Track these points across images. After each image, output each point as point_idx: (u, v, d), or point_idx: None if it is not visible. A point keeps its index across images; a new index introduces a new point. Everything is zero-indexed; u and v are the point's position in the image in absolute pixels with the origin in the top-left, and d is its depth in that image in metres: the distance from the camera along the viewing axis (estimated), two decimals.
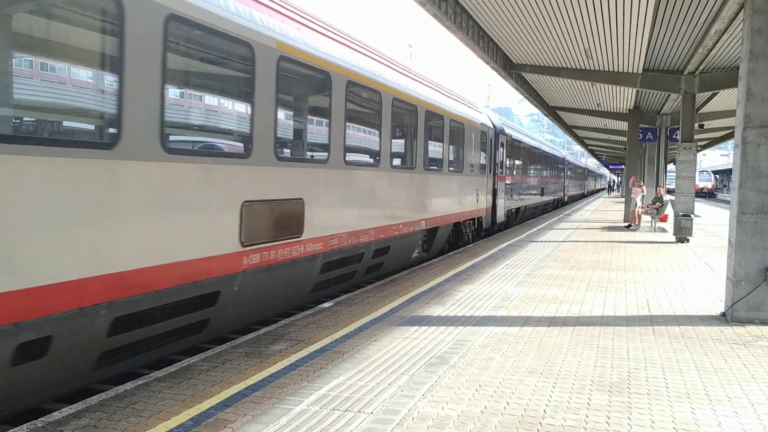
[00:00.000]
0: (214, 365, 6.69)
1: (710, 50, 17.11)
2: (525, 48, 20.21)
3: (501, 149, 24.61)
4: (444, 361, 6.96)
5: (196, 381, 6.17)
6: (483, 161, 21.33)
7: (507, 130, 26.19)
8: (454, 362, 6.91)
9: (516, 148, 28.83)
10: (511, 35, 18.62)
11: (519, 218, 30.01)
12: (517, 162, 29.45)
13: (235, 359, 6.91)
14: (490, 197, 22.73)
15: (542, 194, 37.73)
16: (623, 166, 66.37)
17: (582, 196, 76.01)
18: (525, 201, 30.99)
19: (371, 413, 5.37)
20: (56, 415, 5.28)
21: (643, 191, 27.31)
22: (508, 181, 26.01)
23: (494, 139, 23.19)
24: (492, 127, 23.08)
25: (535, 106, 32.61)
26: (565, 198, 53.08)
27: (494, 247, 18.36)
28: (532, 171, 34.54)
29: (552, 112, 36.22)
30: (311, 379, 6.23)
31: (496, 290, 11.30)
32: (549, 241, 20.12)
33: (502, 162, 24.70)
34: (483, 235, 22.42)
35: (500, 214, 24.43)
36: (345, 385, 6.09)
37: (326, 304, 9.94)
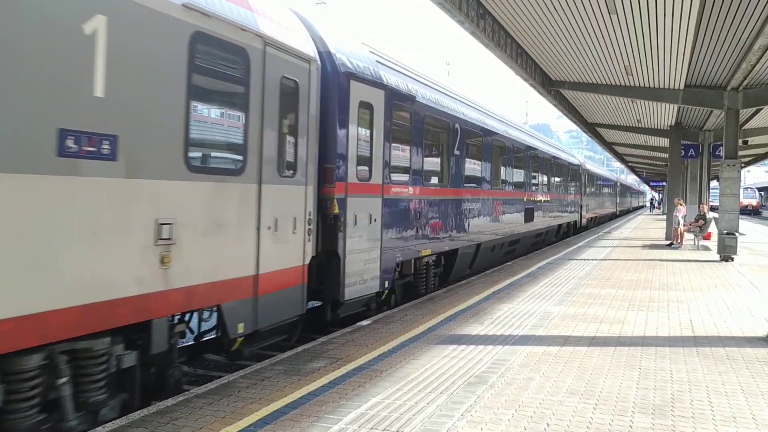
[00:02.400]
0: (253, 382, 6.74)
1: (754, 66, 16.81)
2: (564, 65, 20.10)
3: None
4: (483, 380, 6.90)
5: (235, 398, 6.22)
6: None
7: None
8: (493, 382, 6.85)
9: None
10: (549, 52, 18.55)
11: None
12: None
13: (274, 376, 6.95)
14: None
15: (528, 219, 22.39)
16: (664, 183, 65.28)
17: (612, 217, 59.54)
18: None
19: None
20: (100, 430, 5.37)
21: (684, 209, 26.83)
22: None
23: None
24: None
25: (574, 122, 32.34)
26: (582, 221, 36.75)
27: (533, 265, 18.20)
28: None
29: (591, 128, 35.89)
30: (350, 398, 6.23)
31: (535, 309, 11.19)
32: (588, 260, 19.87)
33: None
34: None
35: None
36: (383, 404, 6.08)
37: (364, 322, 9.96)
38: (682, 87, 21.34)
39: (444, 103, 14.16)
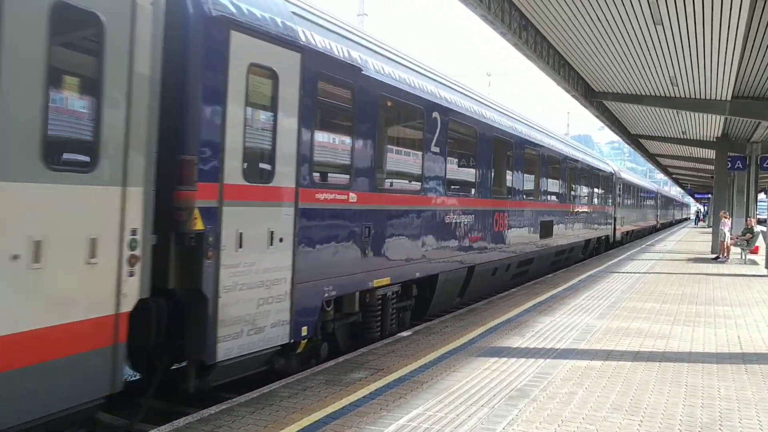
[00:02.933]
0: (294, 392, 6.78)
1: None
2: (607, 76, 19.92)
3: None
4: (524, 394, 6.84)
5: (277, 407, 6.26)
6: None
7: None
8: (535, 396, 6.79)
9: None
10: (593, 63, 18.40)
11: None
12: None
13: (315, 386, 6.98)
14: None
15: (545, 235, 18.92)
16: (710, 195, 63.98)
17: (653, 230, 54.32)
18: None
19: None
20: None
21: (729, 222, 26.27)
22: None
23: None
24: None
25: (616, 133, 32.03)
26: (616, 235, 32.07)
27: (574, 278, 17.99)
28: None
29: (634, 140, 35.46)
30: (390, 409, 6.23)
31: (577, 322, 11.05)
32: (631, 273, 19.57)
33: None
34: None
35: None
36: (424, 415, 6.06)
37: (405, 333, 9.95)
38: (729, 98, 20.96)
39: (416, 84, 10.65)
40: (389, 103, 9.94)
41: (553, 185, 19.57)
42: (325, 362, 8.21)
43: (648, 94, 21.89)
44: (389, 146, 10.26)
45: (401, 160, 10.97)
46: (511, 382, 7.30)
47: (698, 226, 76.56)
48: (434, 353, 8.58)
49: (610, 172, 30.50)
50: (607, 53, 16.96)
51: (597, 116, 25.86)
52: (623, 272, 19.72)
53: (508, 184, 15.59)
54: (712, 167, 35.62)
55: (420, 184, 10.76)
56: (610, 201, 30.33)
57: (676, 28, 14.12)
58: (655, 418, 6.15)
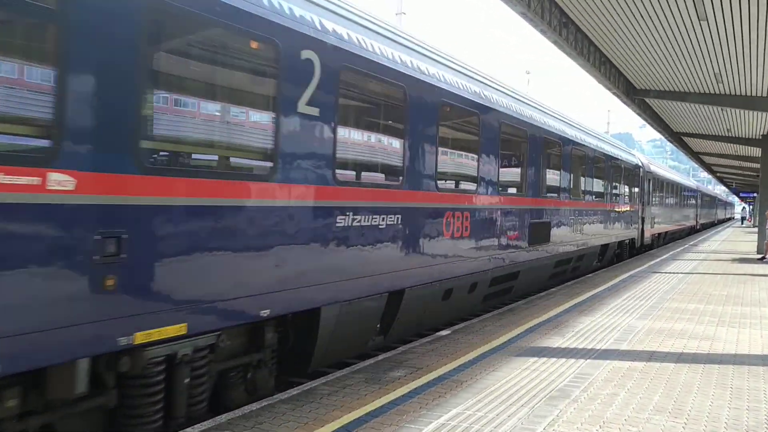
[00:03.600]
0: (335, 389, 6.83)
1: None
2: (649, 73, 19.62)
3: None
4: (565, 394, 6.79)
5: (317, 405, 6.32)
6: None
7: None
8: (576, 396, 6.73)
9: None
10: (635, 60, 18.14)
11: None
12: None
13: (355, 384, 7.02)
14: None
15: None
16: (755, 194, 62.50)
17: (691, 231, 49.53)
18: None
19: None
20: (189, 431, 5.55)
21: None
22: None
23: None
24: None
25: (659, 131, 31.52)
26: (644, 238, 27.55)
27: (615, 278, 17.76)
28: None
29: (677, 138, 34.85)
30: (430, 408, 6.23)
31: (618, 322, 10.92)
32: (674, 273, 19.24)
33: None
34: None
35: None
36: (464, 415, 6.05)
37: (444, 332, 9.94)
38: None
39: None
40: None
41: (551, 176, 15.07)
42: (364, 360, 8.25)
43: (692, 91, 21.51)
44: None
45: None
46: (552, 382, 7.25)
47: (744, 225, 74.88)
48: (473, 352, 8.56)
49: (636, 165, 25.31)
50: (649, 50, 16.70)
51: (639, 114, 25.48)
52: (666, 272, 19.40)
53: (475, 172, 11.00)
54: (757, 165, 34.81)
55: (277, 166, 6.56)
56: (637, 198, 25.74)
57: (721, 23, 13.84)
58: (700, 421, 6.05)
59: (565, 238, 16.01)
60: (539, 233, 14.02)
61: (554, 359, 8.29)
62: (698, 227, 54.63)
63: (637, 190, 25.46)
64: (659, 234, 32.50)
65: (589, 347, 9.04)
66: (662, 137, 35.61)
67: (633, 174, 24.51)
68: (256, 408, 6.20)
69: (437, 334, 9.83)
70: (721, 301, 13.69)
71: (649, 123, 28.48)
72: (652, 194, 28.90)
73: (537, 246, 13.86)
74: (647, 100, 23.88)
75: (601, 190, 19.89)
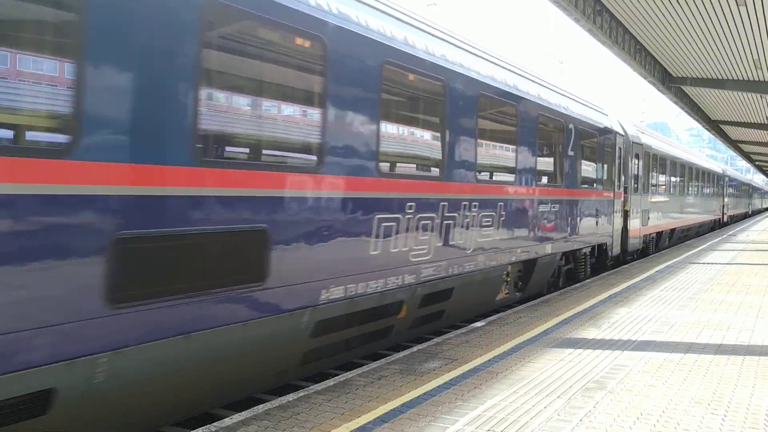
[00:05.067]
0: (370, 381, 6.87)
1: None
2: (686, 60, 19.29)
3: None
4: (601, 386, 6.74)
5: (353, 395, 6.36)
6: None
7: None
8: (612, 387, 6.68)
9: None
10: (671, 48, 17.85)
11: None
12: None
13: (390, 376, 7.06)
14: None
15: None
16: None
17: (715, 226, 41.67)
18: None
19: None
20: (227, 421, 5.64)
21: None
22: None
23: None
24: None
25: (696, 120, 30.98)
26: (628, 241, 19.26)
27: (652, 268, 17.54)
28: None
29: (714, 126, 34.23)
30: (466, 399, 6.24)
31: (654, 314, 10.79)
32: (712, 263, 18.94)
33: None
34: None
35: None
36: (500, 406, 6.05)
37: (478, 324, 9.93)
38: None
39: None
40: None
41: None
42: (399, 352, 8.29)
43: (731, 78, 21.10)
44: None
45: None
46: (588, 373, 7.20)
47: None
48: (508, 344, 8.54)
49: (612, 132, 17.10)
50: (686, 37, 16.41)
51: (675, 102, 25.07)
52: (704, 263, 19.11)
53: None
54: None
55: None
56: (615, 182, 17.52)
57: (760, 7, 13.54)
58: (740, 413, 5.97)
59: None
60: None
61: (590, 350, 8.24)
62: (726, 219, 46.32)
63: (614, 171, 17.50)
64: (658, 233, 24.47)
65: (625, 338, 8.96)
66: (699, 126, 34.97)
67: (603, 145, 16.35)
68: (293, 398, 6.27)
69: (471, 325, 9.82)
70: (761, 293, 13.45)
71: (685, 111, 28.00)
72: (645, 177, 21.27)
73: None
74: (684, 87, 23.47)
75: (548, 171, 12.99)
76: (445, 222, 9.23)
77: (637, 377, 7.09)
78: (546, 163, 12.94)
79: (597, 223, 15.95)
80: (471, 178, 9.85)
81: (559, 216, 13.34)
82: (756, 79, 20.81)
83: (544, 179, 12.81)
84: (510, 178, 11.33)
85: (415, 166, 9.18)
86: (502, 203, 10.87)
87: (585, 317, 10.45)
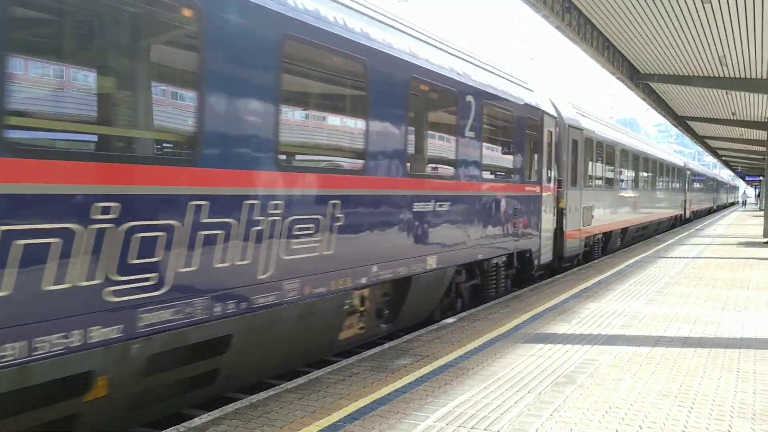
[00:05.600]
0: (341, 378, 6.85)
1: None
2: (653, 57, 19.51)
3: None
4: (571, 380, 6.80)
5: (324, 393, 6.34)
6: None
7: None
8: (582, 382, 6.74)
9: None
10: (638, 45, 18.04)
11: None
12: None
13: (361, 373, 7.04)
14: None
15: None
16: (761, 178, 62.21)
17: (675, 222, 38.51)
18: None
19: None
20: (196, 421, 5.58)
21: None
22: None
23: None
24: None
25: (663, 116, 31.38)
26: (564, 245, 16.14)
27: (621, 263, 17.74)
28: None
29: (681, 122, 34.70)
30: (436, 395, 6.25)
31: (624, 308, 10.91)
32: (680, 257, 19.21)
33: None
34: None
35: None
36: (471, 402, 6.07)
37: (450, 320, 9.95)
38: None
39: None
40: None
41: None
42: (371, 349, 8.27)
43: (696, 74, 21.39)
44: None
45: None
46: (558, 368, 7.26)
47: (746, 209, 74.17)
48: (479, 340, 8.58)
49: (539, 111, 13.88)
50: (653, 34, 16.60)
51: (643, 98, 25.35)
52: (672, 257, 19.37)
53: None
54: (763, 149, 34.66)
55: None
56: (543, 174, 14.35)
57: (725, 5, 13.74)
58: (706, 405, 6.06)
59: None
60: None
61: (560, 345, 8.30)
62: (689, 215, 43.44)
63: (541, 160, 14.24)
64: (606, 234, 21.37)
65: (595, 333, 9.05)
66: (667, 122, 35.43)
67: (523, 127, 13.03)
68: (263, 397, 6.23)
69: (443, 321, 9.84)
70: (727, 286, 13.67)
71: (653, 107, 28.34)
72: (588, 168, 18.59)
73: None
74: (651, 84, 23.76)
75: (391, 150, 8.63)
76: (199, 233, 5.69)
77: (607, 371, 7.16)
78: (425, 145, 9.69)
79: (515, 224, 12.61)
80: (266, 163, 6.45)
81: (451, 217, 10.05)
82: (721, 75, 21.12)
83: (423, 168, 9.53)
84: (352, 164, 8.02)
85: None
86: (336, 201, 7.38)
87: (555, 312, 10.53)
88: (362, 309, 8.52)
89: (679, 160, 40.72)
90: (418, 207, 9.12)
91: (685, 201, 41.50)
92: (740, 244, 24.82)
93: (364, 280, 8.05)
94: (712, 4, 13.68)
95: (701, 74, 21.30)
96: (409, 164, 8.96)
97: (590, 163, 18.81)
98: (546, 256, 14.70)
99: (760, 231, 29.17)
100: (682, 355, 7.92)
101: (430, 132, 10.02)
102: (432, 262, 9.60)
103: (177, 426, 5.48)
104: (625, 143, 24.17)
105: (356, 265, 7.87)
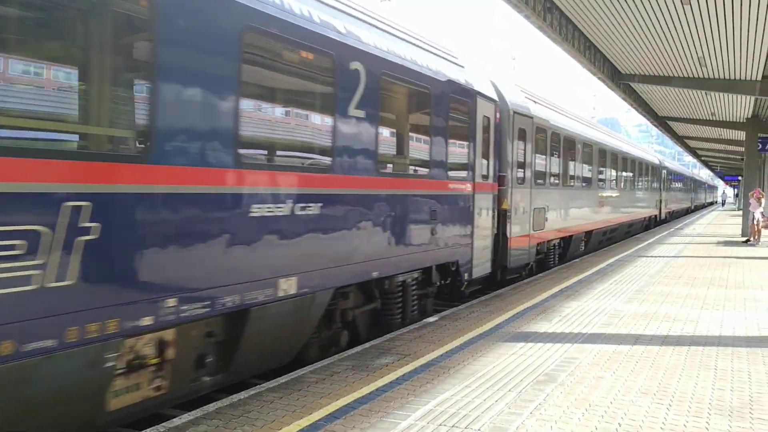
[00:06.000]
0: (322, 377, 6.84)
1: None
2: (634, 58, 19.66)
3: None
4: (552, 378, 6.83)
5: (305, 392, 6.33)
6: None
7: None
8: (563, 380, 6.77)
9: None
10: (619, 45, 18.16)
11: None
12: None
13: (342, 372, 7.04)
14: None
15: None
16: (740, 178, 62.78)
17: (651, 222, 35.66)
18: None
19: (478, 430, 5.34)
20: (176, 421, 5.55)
21: (761, 204, 25.80)
22: None
23: None
24: None
25: (644, 116, 31.63)
26: (472, 266, 11.67)
27: (602, 262, 17.86)
28: None
29: (662, 122, 35.00)
30: (418, 394, 6.26)
31: (604, 307, 10.99)
32: (659, 257, 19.37)
33: None
34: None
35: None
36: (452, 400, 6.08)
37: (431, 319, 9.97)
38: (759, 78, 20.59)
39: None
40: None
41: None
42: (352, 348, 8.26)
43: (676, 75, 21.57)
44: None
45: None
46: (538, 366, 7.29)
47: (725, 208, 74.90)
48: (460, 338, 8.60)
49: (471, 93, 11.52)
50: (633, 34, 16.72)
51: (624, 99, 25.55)
52: (652, 256, 19.53)
53: None
54: (742, 149, 35.07)
55: None
56: (478, 169, 11.99)
57: (704, 7, 13.87)
58: (684, 402, 6.11)
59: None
60: None
61: (541, 344, 8.34)
62: (664, 217, 40.23)
63: (473, 149, 11.70)
64: (565, 239, 18.55)
65: (576, 331, 9.10)
66: (648, 122, 35.71)
67: (446, 109, 10.59)
68: (244, 397, 6.21)
69: (424, 320, 9.86)
70: (705, 284, 13.80)
71: (634, 108, 28.57)
72: (536, 162, 15.62)
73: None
74: (632, 84, 23.94)
75: (206, 129, 5.94)
76: None
77: (587, 369, 7.20)
78: (274, 124, 7.31)
79: (433, 230, 10.17)
80: None
81: (324, 224, 7.52)
82: (701, 76, 21.32)
83: (268, 156, 7.11)
84: (125, 149, 5.48)
85: None
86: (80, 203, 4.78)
87: (537, 311, 10.58)
88: (157, 360, 5.75)
89: (654, 158, 37.82)
90: (259, 210, 6.46)
91: (661, 201, 38.66)
92: (719, 243, 25.07)
93: (147, 321, 5.32)
94: (691, 6, 13.81)
95: (681, 75, 21.49)
96: (240, 151, 6.23)
97: (545, 158, 16.22)
98: (481, 268, 12.20)
99: (738, 230, 29.49)
100: (661, 353, 7.99)
101: (282, 108, 7.43)
102: (288, 286, 6.96)
103: (157, 426, 5.45)
104: (589, 136, 21.14)
105: (127, 300, 5.15)
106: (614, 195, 24.99)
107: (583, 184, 20.63)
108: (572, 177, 19.31)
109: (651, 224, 35.76)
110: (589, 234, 21.40)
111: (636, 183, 30.54)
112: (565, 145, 18.08)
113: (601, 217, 22.75)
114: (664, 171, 39.97)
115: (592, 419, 5.62)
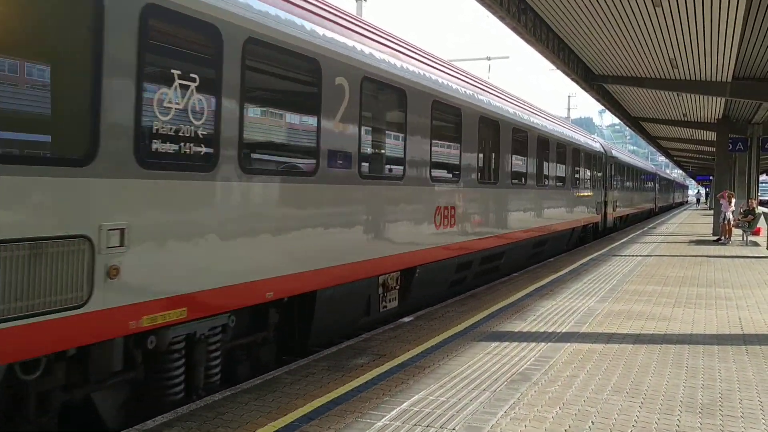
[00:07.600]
0: (297, 378, 6.82)
1: None
2: (607, 59, 19.84)
3: None
4: (526, 377, 6.87)
5: (280, 393, 6.30)
6: None
7: None
8: (537, 379, 6.82)
9: None
10: (592, 46, 18.32)
11: None
12: None
13: (318, 372, 7.02)
14: None
15: None
16: (711, 177, 63.67)
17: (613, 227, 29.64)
18: None
19: (453, 430, 5.36)
20: (150, 424, 5.50)
21: (732, 203, 26.17)
22: None
23: None
24: None
25: (617, 116, 31.93)
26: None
27: (576, 261, 18.00)
28: None
29: (635, 122, 35.37)
30: (393, 394, 6.26)
31: (578, 306, 11.08)
32: (633, 255, 19.57)
33: None
34: None
35: None
36: (426, 400, 6.09)
37: (407, 319, 9.98)
38: (729, 79, 20.87)
39: None
40: None
41: None
42: (328, 348, 8.25)
43: (648, 76, 21.80)
44: None
45: None
46: (513, 366, 7.33)
47: (699, 207, 76.04)
48: (436, 338, 8.62)
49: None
50: (606, 36, 16.87)
51: (597, 99, 25.78)
52: (625, 255, 19.73)
53: None
54: (713, 149, 35.57)
55: None
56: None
57: (675, 9, 14.03)
58: (656, 400, 6.18)
59: None
60: None
61: (516, 343, 8.39)
62: (611, 223, 29.50)
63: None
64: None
65: (550, 330, 9.16)
66: (621, 122, 36.07)
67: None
68: (219, 398, 6.17)
69: (400, 320, 9.87)
70: (677, 283, 13.97)
71: (607, 108, 28.82)
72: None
73: None
74: (605, 85, 24.15)
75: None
76: None
77: (561, 368, 7.26)
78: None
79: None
80: None
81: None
82: (672, 77, 21.57)
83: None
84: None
85: None
86: None
87: (512, 310, 10.64)
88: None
89: (595, 144, 26.86)
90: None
91: (606, 203, 27.80)
92: (691, 242, 25.39)
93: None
94: (663, 8, 13.96)
95: (654, 76, 21.72)
96: None
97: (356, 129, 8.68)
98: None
99: (710, 229, 29.90)
100: (634, 351, 8.07)
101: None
102: None
103: (129, 429, 5.39)
104: (502, 113, 13.90)
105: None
106: (520, 196, 15.81)
107: (460, 183, 12.12)
108: (444, 171, 11.87)
109: (588, 236, 25.49)
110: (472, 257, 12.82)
111: (557, 176, 19.70)
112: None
113: (478, 232, 12.94)
114: (611, 163, 29.27)
115: (566, 418, 5.66)
